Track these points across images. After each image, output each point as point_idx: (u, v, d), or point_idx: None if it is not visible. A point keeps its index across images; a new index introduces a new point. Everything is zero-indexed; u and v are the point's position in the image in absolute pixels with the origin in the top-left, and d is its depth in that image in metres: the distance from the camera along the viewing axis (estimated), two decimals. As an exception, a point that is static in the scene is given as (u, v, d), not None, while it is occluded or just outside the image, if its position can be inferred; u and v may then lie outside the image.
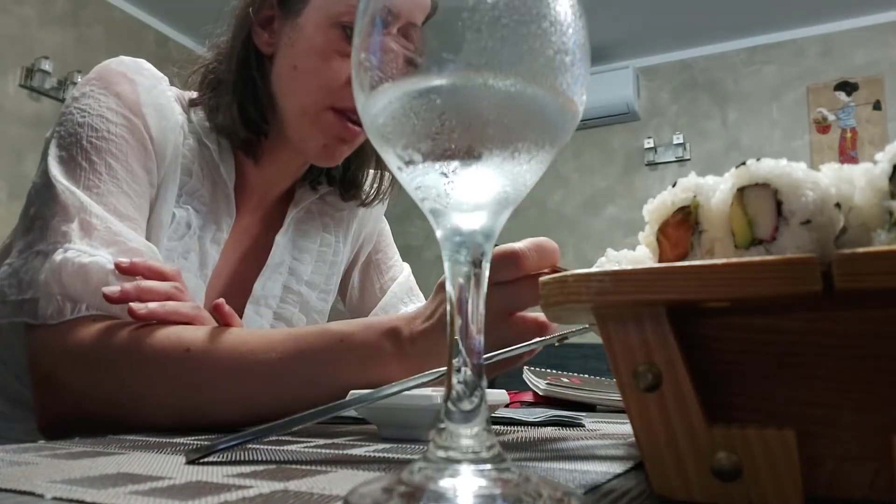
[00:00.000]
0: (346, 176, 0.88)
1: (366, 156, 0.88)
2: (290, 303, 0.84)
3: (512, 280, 0.50)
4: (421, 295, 0.99)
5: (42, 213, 0.64)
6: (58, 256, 0.60)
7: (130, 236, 0.64)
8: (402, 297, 0.95)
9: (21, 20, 3.06)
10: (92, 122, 0.69)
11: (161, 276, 0.62)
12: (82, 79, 0.75)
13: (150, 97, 0.73)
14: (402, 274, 0.99)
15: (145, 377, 0.57)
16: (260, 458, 0.39)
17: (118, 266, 0.60)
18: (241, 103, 0.76)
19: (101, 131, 0.68)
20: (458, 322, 0.28)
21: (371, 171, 0.91)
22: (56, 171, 0.66)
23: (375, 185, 0.90)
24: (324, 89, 0.72)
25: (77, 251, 0.60)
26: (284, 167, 0.83)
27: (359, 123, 0.74)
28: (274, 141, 0.80)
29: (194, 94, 0.80)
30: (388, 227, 1.02)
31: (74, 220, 0.62)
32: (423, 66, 0.26)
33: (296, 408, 0.58)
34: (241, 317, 0.79)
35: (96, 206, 0.64)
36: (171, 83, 0.80)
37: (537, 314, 0.51)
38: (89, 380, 0.59)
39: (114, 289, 0.58)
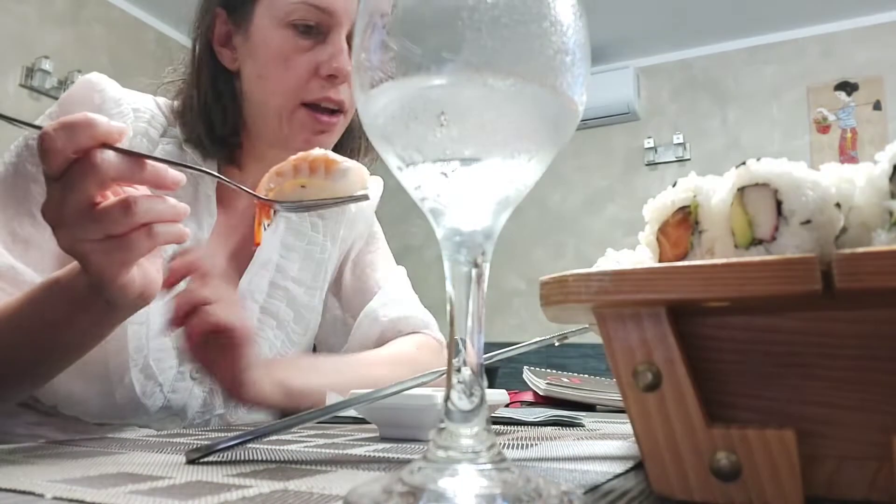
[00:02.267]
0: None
1: (353, 144, 0.89)
2: (278, 298, 0.85)
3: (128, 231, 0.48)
4: (414, 295, 1.01)
5: None
6: None
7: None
8: (395, 297, 0.97)
9: (21, 19, 3.06)
10: (33, 145, 0.72)
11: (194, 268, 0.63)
12: None
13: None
14: (395, 273, 1.01)
15: None
16: (260, 458, 0.39)
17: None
18: (208, 123, 0.79)
19: (36, 156, 0.71)
20: (459, 322, 0.28)
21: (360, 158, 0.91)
22: None
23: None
24: (291, 89, 0.74)
25: None
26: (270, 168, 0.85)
27: (332, 112, 0.76)
28: (256, 146, 0.83)
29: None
30: (381, 231, 1.04)
31: None
32: (422, 65, 0.26)
33: (49, 357, 0.60)
34: None
35: None
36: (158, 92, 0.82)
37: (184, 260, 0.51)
38: None
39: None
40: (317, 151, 0.54)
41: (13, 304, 0.58)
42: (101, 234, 0.48)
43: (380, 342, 0.91)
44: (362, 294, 0.96)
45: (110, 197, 0.48)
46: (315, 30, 0.73)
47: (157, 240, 0.50)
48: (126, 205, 0.47)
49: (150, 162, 0.48)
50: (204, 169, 0.53)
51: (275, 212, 0.55)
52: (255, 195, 0.54)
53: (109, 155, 0.46)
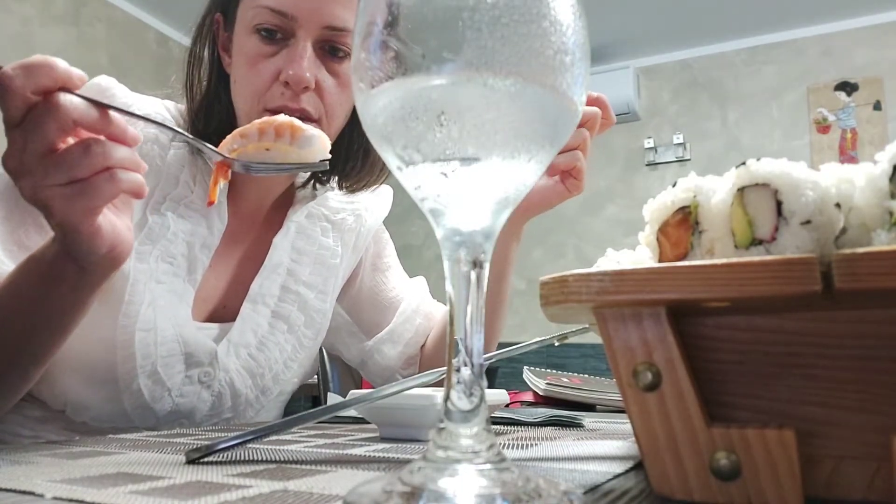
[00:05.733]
0: (343, 170, 0.89)
1: (357, 151, 0.88)
2: (289, 302, 0.85)
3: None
4: (436, 303, 1.02)
5: None
6: None
7: None
8: (418, 306, 0.99)
9: (22, 19, 3.06)
10: None
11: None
12: None
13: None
14: (413, 282, 1.03)
15: None
16: (260, 458, 0.39)
17: None
18: (207, 125, 0.78)
19: None
20: (458, 322, 0.28)
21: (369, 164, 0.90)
22: None
23: (373, 174, 0.91)
24: (255, 95, 0.73)
25: None
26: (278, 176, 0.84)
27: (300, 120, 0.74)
28: None
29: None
30: (391, 243, 1.05)
31: None
32: (422, 65, 0.26)
33: (32, 339, 0.59)
34: (238, 314, 0.80)
35: None
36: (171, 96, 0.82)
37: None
38: None
39: None
40: (282, 117, 0.54)
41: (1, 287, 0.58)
42: (63, 179, 0.47)
43: (415, 339, 0.96)
44: (379, 304, 0.98)
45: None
46: (279, 35, 0.72)
47: (119, 185, 0.49)
48: (86, 145, 0.47)
49: (112, 113, 0.48)
50: (183, 133, 0.52)
51: (232, 172, 0.55)
52: (218, 153, 0.54)
53: (72, 98, 0.46)
